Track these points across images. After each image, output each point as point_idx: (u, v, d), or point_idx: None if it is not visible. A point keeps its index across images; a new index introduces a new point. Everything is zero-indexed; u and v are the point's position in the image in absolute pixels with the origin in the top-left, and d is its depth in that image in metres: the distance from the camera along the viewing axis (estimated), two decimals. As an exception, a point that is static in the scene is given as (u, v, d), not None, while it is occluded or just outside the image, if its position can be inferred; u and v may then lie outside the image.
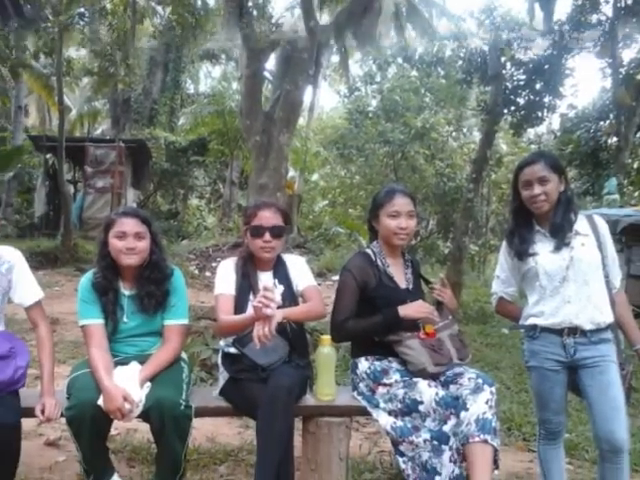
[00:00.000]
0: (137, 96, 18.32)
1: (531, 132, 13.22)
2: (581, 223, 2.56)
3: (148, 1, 16.05)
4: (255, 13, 18.28)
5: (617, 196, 10.19)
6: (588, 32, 10.60)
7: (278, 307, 2.49)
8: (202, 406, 2.67)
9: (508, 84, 10.32)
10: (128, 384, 2.45)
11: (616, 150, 12.29)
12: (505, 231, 2.78)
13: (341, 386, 3.21)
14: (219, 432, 3.70)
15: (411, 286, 2.86)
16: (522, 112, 10.65)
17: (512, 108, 10.59)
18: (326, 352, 2.73)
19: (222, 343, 2.89)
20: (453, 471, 2.40)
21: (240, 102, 17.11)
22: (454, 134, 15.61)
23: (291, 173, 20.79)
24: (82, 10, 13.23)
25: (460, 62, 11.40)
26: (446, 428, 2.45)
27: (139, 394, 2.46)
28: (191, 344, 4.61)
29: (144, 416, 2.49)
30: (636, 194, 13.00)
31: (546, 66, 10.09)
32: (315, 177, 21.23)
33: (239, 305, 2.75)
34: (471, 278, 11.68)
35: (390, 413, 2.61)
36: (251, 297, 2.72)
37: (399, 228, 2.73)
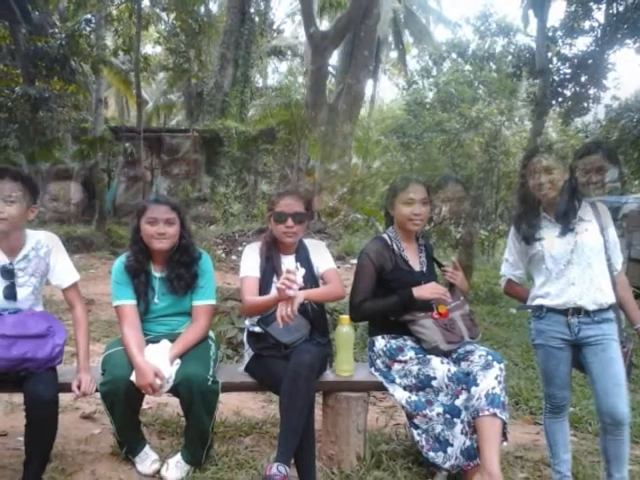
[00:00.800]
0: (210, 89, 18.96)
1: (578, 121, 13.49)
2: (585, 210, 2.64)
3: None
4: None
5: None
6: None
7: (300, 289, 2.57)
8: (228, 382, 2.77)
9: (555, 77, 10.70)
10: (159, 361, 2.55)
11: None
12: (513, 217, 2.85)
13: (359, 363, 3.29)
14: (244, 406, 3.78)
15: (425, 269, 2.95)
16: (569, 103, 11.09)
17: (559, 99, 11.03)
18: (345, 331, 2.83)
19: (247, 322, 2.99)
20: (464, 443, 2.52)
21: (306, 95, 17.65)
22: (506, 123, 15.80)
23: (354, 160, 21.30)
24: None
25: (510, 57, 12.05)
26: (458, 402, 2.55)
27: (169, 370, 2.56)
28: (218, 323, 4.70)
29: (174, 391, 2.59)
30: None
31: (590, 61, 10.41)
32: (377, 164, 21.53)
33: (263, 287, 2.85)
34: (481, 261, 11.69)
35: (405, 388, 2.73)
36: (274, 279, 2.82)
37: (413, 214, 2.83)
